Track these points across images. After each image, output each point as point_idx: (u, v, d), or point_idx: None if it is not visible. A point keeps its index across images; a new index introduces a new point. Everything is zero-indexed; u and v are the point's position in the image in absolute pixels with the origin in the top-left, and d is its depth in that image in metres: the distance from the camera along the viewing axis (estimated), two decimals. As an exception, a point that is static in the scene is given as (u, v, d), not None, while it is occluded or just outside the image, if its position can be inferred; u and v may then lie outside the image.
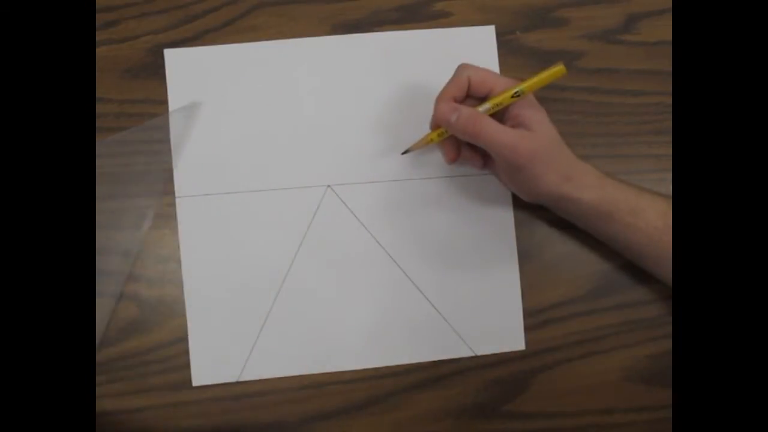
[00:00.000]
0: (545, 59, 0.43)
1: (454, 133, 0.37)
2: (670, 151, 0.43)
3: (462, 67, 0.38)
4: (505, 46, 0.43)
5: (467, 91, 0.37)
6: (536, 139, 0.36)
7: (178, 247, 0.41)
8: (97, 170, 0.40)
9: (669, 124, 0.43)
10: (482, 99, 0.37)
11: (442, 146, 0.40)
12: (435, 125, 0.39)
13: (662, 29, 0.44)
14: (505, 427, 0.41)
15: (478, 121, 0.36)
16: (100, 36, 0.42)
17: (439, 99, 0.37)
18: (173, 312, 0.41)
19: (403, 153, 0.41)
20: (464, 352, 0.42)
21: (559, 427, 0.42)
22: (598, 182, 0.37)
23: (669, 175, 0.43)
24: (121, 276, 0.40)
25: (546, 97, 0.43)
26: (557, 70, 0.36)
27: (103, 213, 0.41)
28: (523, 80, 0.36)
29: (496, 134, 0.35)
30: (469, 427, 0.41)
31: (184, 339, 0.40)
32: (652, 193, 0.38)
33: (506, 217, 0.42)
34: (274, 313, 0.41)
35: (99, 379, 0.40)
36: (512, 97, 0.36)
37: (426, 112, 0.38)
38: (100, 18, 0.42)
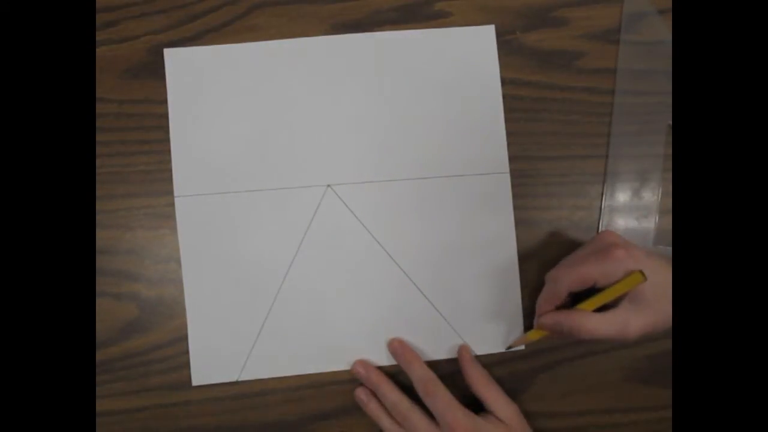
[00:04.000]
0: (545, 59, 0.43)
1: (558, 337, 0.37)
2: (670, 150, 0.43)
3: (554, 278, 0.37)
4: (505, 46, 0.43)
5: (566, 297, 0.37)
6: (642, 314, 0.35)
7: (178, 247, 0.41)
8: (97, 170, 0.41)
9: (669, 124, 0.43)
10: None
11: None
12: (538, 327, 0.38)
13: (662, 29, 0.44)
14: (505, 427, 0.41)
15: (581, 327, 0.35)
16: (100, 36, 0.42)
17: (539, 311, 0.38)
18: (173, 312, 0.41)
19: (506, 348, 0.41)
20: (464, 352, 0.42)
21: (559, 427, 0.42)
22: None
23: (669, 176, 0.43)
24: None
25: (546, 97, 0.43)
26: (635, 278, 0.34)
27: (103, 213, 0.41)
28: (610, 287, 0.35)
29: (599, 330, 0.35)
30: (469, 427, 0.41)
31: (184, 339, 0.41)
32: None
33: (506, 217, 0.42)
34: (274, 313, 0.41)
35: (99, 379, 0.40)
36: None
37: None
38: (100, 18, 0.42)
